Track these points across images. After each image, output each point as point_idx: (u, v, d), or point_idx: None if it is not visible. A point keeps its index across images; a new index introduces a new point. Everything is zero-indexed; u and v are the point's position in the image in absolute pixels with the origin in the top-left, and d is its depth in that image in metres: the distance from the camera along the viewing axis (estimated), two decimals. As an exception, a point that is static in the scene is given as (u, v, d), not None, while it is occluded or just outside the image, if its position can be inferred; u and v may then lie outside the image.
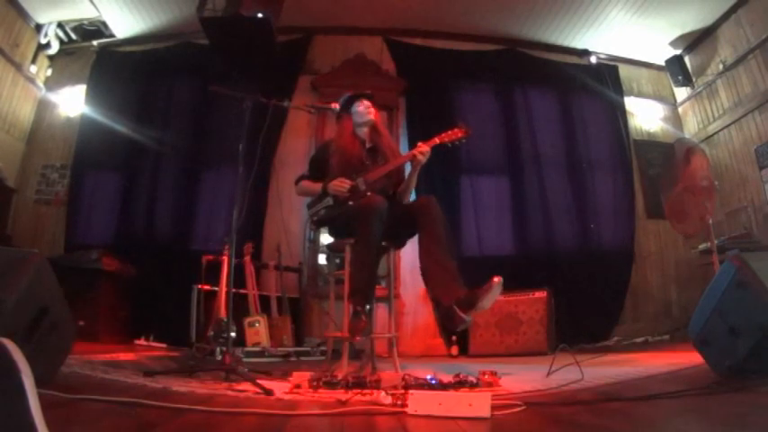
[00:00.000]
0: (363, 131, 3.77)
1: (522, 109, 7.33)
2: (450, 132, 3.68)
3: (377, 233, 3.26)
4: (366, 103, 3.77)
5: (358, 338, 3.19)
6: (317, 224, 3.83)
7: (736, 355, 2.42)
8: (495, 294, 3.01)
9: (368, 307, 3.23)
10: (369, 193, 3.47)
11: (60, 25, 7.00)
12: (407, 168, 3.84)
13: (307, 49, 7.29)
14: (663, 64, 7.61)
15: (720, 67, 6.85)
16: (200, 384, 2.75)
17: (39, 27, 6.85)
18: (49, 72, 7.23)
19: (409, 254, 4.84)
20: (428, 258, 3.23)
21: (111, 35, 7.22)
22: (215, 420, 1.89)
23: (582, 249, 6.88)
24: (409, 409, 2.00)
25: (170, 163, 6.79)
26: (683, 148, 5.33)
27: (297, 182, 3.87)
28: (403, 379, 2.67)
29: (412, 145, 6.45)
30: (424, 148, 3.55)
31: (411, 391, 2.11)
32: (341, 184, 3.55)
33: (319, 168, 3.79)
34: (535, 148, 7.15)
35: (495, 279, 2.98)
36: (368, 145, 3.77)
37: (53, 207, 6.72)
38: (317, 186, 3.65)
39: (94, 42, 7.27)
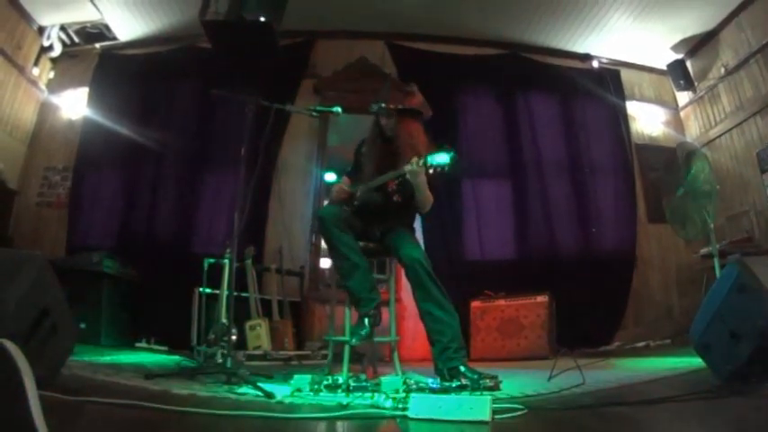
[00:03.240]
0: (387, 137, 3.64)
1: (524, 113, 7.33)
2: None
3: (341, 239, 3.26)
4: (385, 120, 3.58)
5: (353, 340, 3.18)
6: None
7: (738, 360, 2.41)
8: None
9: (373, 310, 3.22)
10: (356, 202, 3.49)
11: (63, 28, 7.00)
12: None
13: (309, 52, 7.29)
14: (664, 68, 7.60)
15: (722, 71, 6.84)
16: (201, 387, 2.75)
17: (41, 30, 6.86)
18: (52, 74, 7.24)
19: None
20: (424, 314, 3.22)
21: (114, 38, 7.23)
22: (216, 423, 1.89)
23: (583, 253, 6.86)
24: (410, 413, 2.00)
25: (172, 166, 6.79)
26: (684, 152, 5.33)
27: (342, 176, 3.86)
28: (404, 382, 2.67)
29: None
30: (409, 167, 3.29)
31: (412, 395, 2.11)
32: (340, 191, 3.56)
33: (354, 168, 3.77)
34: (537, 152, 7.15)
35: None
36: (387, 148, 3.63)
37: (55, 209, 6.72)
38: None
39: (97, 45, 7.27)
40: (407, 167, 3.29)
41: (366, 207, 3.48)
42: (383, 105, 3.58)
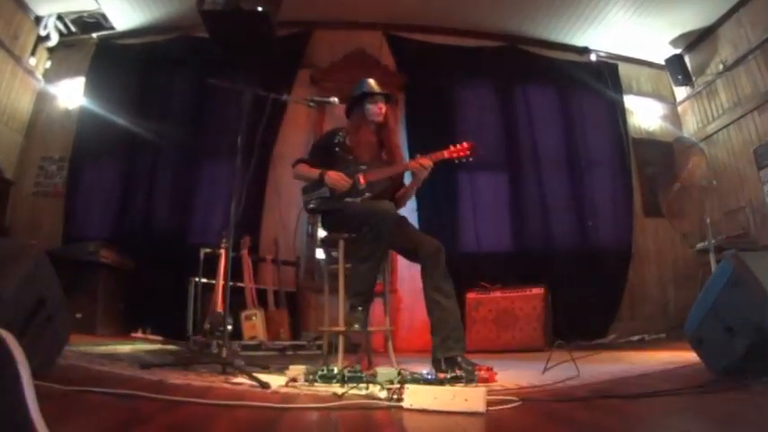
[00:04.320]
0: (372, 126, 3.69)
1: (522, 106, 7.33)
2: (457, 148, 3.48)
3: (388, 240, 3.30)
4: (381, 105, 3.64)
5: (355, 326, 3.18)
6: (311, 212, 3.82)
7: (733, 355, 2.42)
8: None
9: (368, 304, 3.25)
10: (368, 194, 3.47)
11: (60, 17, 6.97)
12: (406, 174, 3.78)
13: (306, 43, 7.27)
14: (663, 63, 7.60)
15: (720, 66, 6.84)
16: (196, 377, 2.75)
17: (38, 19, 6.83)
18: (49, 64, 7.20)
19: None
20: (432, 304, 3.25)
21: (111, 27, 7.19)
22: (211, 413, 1.89)
23: (579, 247, 6.89)
24: (405, 404, 2.00)
25: (168, 156, 6.79)
26: (681, 147, 5.34)
27: (295, 164, 3.79)
28: (399, 373, 2.67)
29: (411, 143, 6.52)
30: (426, 163, 3.41)
31: (407, 386, 2.11)
32: (341, 180, 3.49)
33: (322, 157, 3.70)
34: (534, 145, 7.15)
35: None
36: (374, 138, 3.71)
37: (51, 199, 6.70)
38: (314, 173, 3.58)
39: (94, 35, 7.24)
40: (422, 163, 3.40)
41: (375, 198, 3.49)
42: (379, 91, 3.63)
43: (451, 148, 3.48)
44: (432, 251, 3.31)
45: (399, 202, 3.73)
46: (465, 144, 3.47)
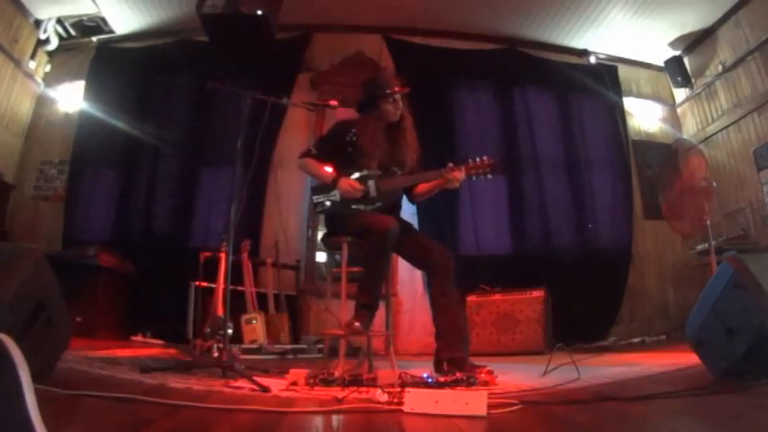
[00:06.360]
0: (384, 124, 3.57)
1: (521, 108, 7.31)
2: (477, 163, 3.37)
3: (390, 256, 3.32)
4: (399, 104, 3.53)
5: (357, 324, 3.17)
6: (320, 213, 3.78)
7: (733, 356, 2.42)
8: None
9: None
10: (379, 203, 3.43)
11: (60, 21, 6.97)
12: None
13: (306, 46, 7.27)
14: (662, 65, 7.60)
15: (720, 68, 6.84)
16: (196, 381, 2.75)
17: (38, 23, 6.82)
18: (48, 68, 7.20)
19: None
20: (440, 309, 3.26)
21: (111, 31, 7.20)
22: (211, 417, 1.89)
23: (579, 249, 6.87)
24: (406, 407, 2.00)
25: (168, 160, 6.79)
26: (681, 148, 5.33)
27: (302, 156, 3.66)
28: (399, 377, 2.67)
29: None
30: (460, 176, 3.34)
31: (408, 389, 2.11)
32: (354, 188, 3.40)
33: (331, 151, 3.60)
34: (533, 148, 7.14)
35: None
36: (386, 140, 3.57)
37: (51, 203, 6.70)
38: (326, 175, 3.51)
39: (94, 38, 7.24)
40: (456, 176, 3.34)
41: (386, 208, 3.45)
42: (398, 90, 3.53)
43: (470, 163, 3.40)
44: (441, 260, 3.30)
45: (417, 198, 3.69)
46: (491, 159, 3.38)
